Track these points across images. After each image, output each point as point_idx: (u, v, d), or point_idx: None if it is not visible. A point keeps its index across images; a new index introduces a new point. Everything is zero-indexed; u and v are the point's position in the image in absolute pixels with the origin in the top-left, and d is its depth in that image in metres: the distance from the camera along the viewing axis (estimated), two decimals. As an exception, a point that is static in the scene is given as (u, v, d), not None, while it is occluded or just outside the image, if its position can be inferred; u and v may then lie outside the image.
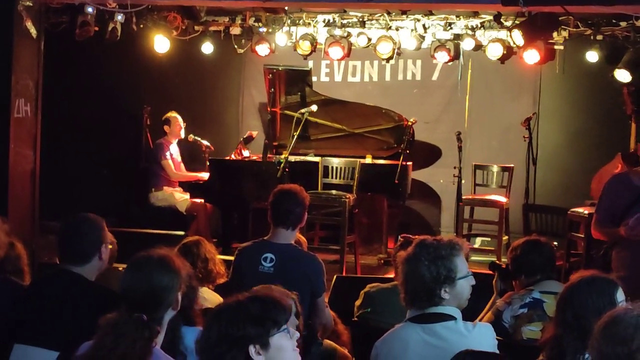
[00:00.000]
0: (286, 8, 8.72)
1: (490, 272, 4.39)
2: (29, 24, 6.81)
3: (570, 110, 9.42)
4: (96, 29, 8.28)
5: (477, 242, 9.10)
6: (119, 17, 8.27)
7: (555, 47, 8.77)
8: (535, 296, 4.01)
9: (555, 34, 8.52)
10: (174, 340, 3.05)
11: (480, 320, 4.08)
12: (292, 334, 2.51)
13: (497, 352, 3.24)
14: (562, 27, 8.40)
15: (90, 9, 7.79)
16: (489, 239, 8.91)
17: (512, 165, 8.84)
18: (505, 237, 8.39)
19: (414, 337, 3.13)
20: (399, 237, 4.54)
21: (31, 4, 6.86)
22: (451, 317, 3.19)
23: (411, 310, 3.25)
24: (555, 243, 7.68)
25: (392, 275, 4.53)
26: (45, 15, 7.25)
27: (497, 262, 4.56)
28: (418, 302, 3.22)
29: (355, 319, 4.39)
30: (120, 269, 4.66)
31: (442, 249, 3.21)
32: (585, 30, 8.40)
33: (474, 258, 7.61)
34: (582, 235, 7.67)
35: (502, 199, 8.57)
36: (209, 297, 4.22)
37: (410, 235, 4.46)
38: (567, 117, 9.43)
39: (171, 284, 2.90)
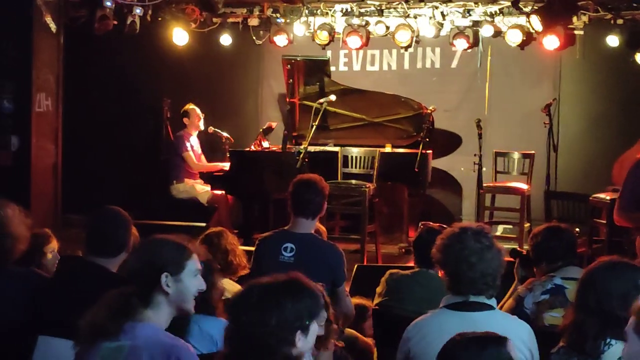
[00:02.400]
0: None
1: (512, 259, 4.38)
2: (49, 19, 6.88)
3: (591, 95, 9.35)
4: (115, 22, 8.32)
5: (499, 229, 9.06)
6: (138, 11, 8.31)
7: (575, 32, 8.70)
8: (556, 282, 3.99)
9: (575, 19, 8.45)
10: (180, 330, 3.06)
11: (501, 306, 4.07)
12: (321, 321, 2.61)
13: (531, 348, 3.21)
14: (582, 11, 8.34)
15: (109, 3, 7.85)
16: (510, 226, 8.87)
17: (533, 151, 8.78)
18: (527, 224, 8.35)
19: (451, 324, 3.08)
20: (420, 224, 4.54)
21: (50, -1, 6.93)
22: (490, 307, 3.19)
23: (450, 297, 3.24)
24: (578, 229, 7.64)
25: (412, 264, 4.51)
26: (64, 10, 7.31)
27: (519, 249, 4.53)
28: (464, 289, 3.19)
29: (376, 306, 4.39)
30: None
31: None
32: (605, 15, 8.33)
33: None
34: (605, 222, 7.61)
35: (523, 186, 8.52)
36: (230, 288, 4.23)
37: (431, 223, 4.47)
38: (588, 103, 9.36)
39: (152, 262, 2.83)
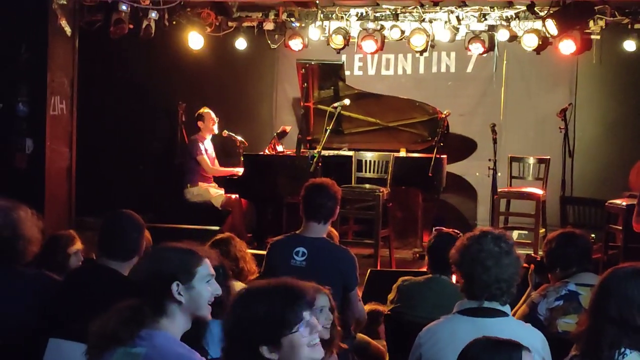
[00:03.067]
0: (317, 2, 8.69)
1: (526, 265, 4.34)
2: (64, 23, 6.91)
3: (608, 100, 9.29)
4: (130, 26, 8.35)
5: (514, 235, 8.99)
6: (153, 14, 8.33)
7: (592, 36, 8.65)
8: (571, 288, 3.95)
9: (591, 24, 8.40)
10: (197, 335, 3.04)
11: (515, 312, 4.04)
12: (312, 329, 2.42)
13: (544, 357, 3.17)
14: (599, 16, 8.29)
15: (124, 7, 7.87)
16: (525, 232, 8.80)
17: (548, 157, 8.72)
18: (542, 230, 8.29)
19: (464, 330, 3.07)
20: (433, 229, 4.51)
21: (65, 3, 6.96)
22: (504, 314, 3.17)
23: (463, 302, 3.22)
24: (593, 235, 7.61)
25: (426, 269, 4.49)
26: (79, 14, 7.34)
27: (533, 255, 4.50)
28: (478, 293, 3.17)
29: (388, 312, 4.37)
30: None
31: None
32: (623, 19, 8.28)
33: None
34: (620, 228, 7.56)
35: (538, 191, 8.47)
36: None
37: (445, 228, 4.44)
38: (604, 108, 9.30)
39: (165, 272, 2.78)
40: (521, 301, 4.20)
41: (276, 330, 2.36)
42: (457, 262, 3.26)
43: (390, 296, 4.40)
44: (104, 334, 2.66)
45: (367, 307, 4.69)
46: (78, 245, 4.48)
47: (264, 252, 4.70)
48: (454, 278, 4.09)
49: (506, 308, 3.19)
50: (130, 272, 3.55)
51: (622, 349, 2.86)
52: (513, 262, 3.19)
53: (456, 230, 4.23)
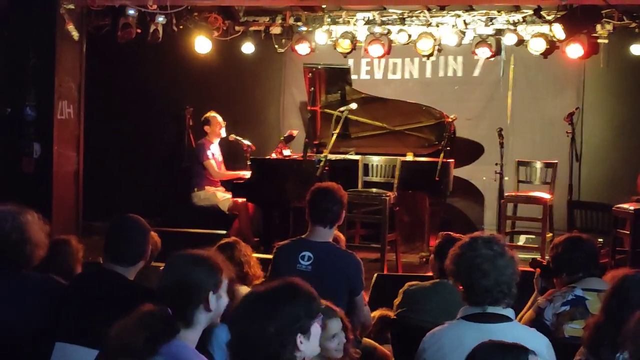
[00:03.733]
0: (324, 6, 8.71)
1: (532, 269, 4.34)
2: (71, 27, 6.94)
3: (615, 104, 9.27)
4: (138, 31, 8.37)
5: (521, 239, 8.99)
6: (160, 19, 8.36)
7: (599, 40, 8.63)
8: (577, 293, 3.93)
9: (599, 28, 8.40)
10: (203, 340, 3.06)
11: (521, 317, 4.03)
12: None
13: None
14: (606, 20, 8.28)
15: (132, 11, 7.89)
16: (533, 236, 8.79)
17: (555, 161, 8.71)
18: (549, 235, 8.26)
19: (468, 335, 3.06)
20: (439, 234, 4.50)
21: (73, 7, 6.99)
22: (508, 319, 3.16)
23: (467, 308, 3.21)
24: (601, 240, 7.60)
25: (432, 274, 4.48)
26: (87, 18, 7.37)
27: (539, 259, 4.48)
28: (480, 299, 3.17)
29: (395, 317, 4.36)
30: (161, 268, 4.73)
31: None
32: (630, 23, 8.27)
33: (518, 255, 7.51)
34: (628, 232, 7.54)
35: (545, 195, 8.45)
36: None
37: (452, 233, 4.42)
38: (612, 112, 9.29)
39: (199, 282, 2.87)
40: (527, 306, 4.19)
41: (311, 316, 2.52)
42: (454, 272, 3.26)
43: (397, 301, 4.40)
44: (126, 348, 2.64)
45: (377, 313, 4.67)
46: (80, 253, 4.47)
47: (271, 256, 4.70)
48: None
49: (509, 312, 3.19)
50: (150, 281, 3.57)
51: (625, 352, 2.87)
52: (509, 262, 3.18)
53: (462, 236, 4.22)
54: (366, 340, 4.46)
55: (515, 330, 3.14)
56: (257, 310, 2.48)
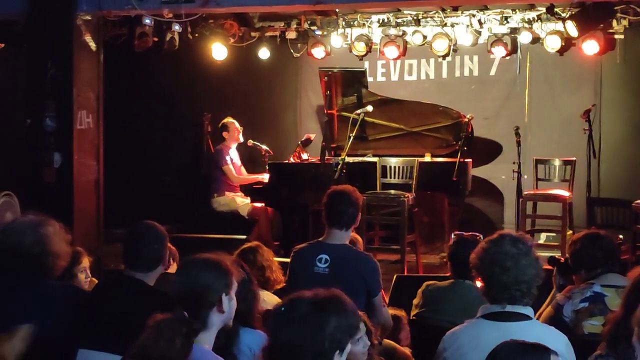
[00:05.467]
0: (337, 10, 8.74)
1: (550, 267, 4.33)
2: (88, 38, 7.01)
3: (633, 100, 9.21)
4: (155, 39, 8.44)
5: (542, 237, 8.95)
6: (177, 27, 8.43)
7: (615, 36, 8.60)
8: (596, 290, 3.93)
9: (615, 23, 8.36)
10: (228, 342, 3.09)
11: (540, 314, 4.04)
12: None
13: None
14: (622, 15, 8.24)
15: (148, 20, 7.96)
16: (553, 234, 8.75)
17: (574, 158, 8.67)
18: (569, 232, 8.23)
19: (487, 334, 3.09)
20: (453, 234, 4.51)
21: (90, 18, 7.06)
22: (527, 317, 3.17)
23: (486, 307, 3.23)
24: (621, 236, 7.55)
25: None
26: (103, 28, 7.44)
27: (557, 256, 4.48)
28: (499, 295, 3.18)
29: (414, 317, 4.38)
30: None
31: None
32: (646, 18, 8.22)
33: (539, 254, 7.48)
34: (649, 228, 7.50)
35: (565, 193, 8.41)
36: (269, 300, 4.25)
37: (464, 233, 4.44)
38: (630, 107, 9.23)
39: (211, 284, 2.91)
40: (546, 303, 4.19)
41: (350, 335, 2.53)
42: (477, 266, 3.28)
43: (415, 301, 4.42)
44: (161, 356, 2.66)
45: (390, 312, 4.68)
46: (85, 262, 4.50)
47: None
48: (478, 283, 4.09)
49: (529, 310, 3.19)
50: (169, 286, 3.61)
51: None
52: (532, 263, 3.19)
53: (475, 234, 4.24)
54: (386, 341, 4.47)
55: (534, 329, 3.14)
56: (306, 317, 2.46)
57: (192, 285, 2.92)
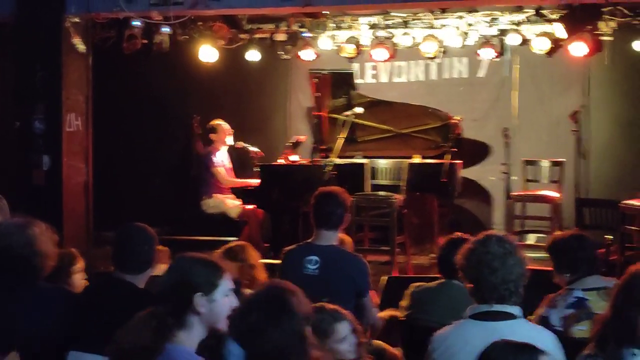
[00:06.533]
0: (327, 12, 8.75)
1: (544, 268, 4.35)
2: (77, 40, 7.01)
3: (622, 101, 9.27)
4: (144, 41, 8.43)
5: (531, 238, 8.98)
6: (165, 29, 8.42)
7: (603, 38, 8.63)
8: (577, 295, 3.94)
9: (602, 25, 8.39)
10: (218, 344, 3.08)
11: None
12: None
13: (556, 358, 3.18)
14: (610, 17, 8.27)
15: (137, 22, 7.95)
16: (542, 235, 8.78)
17: (563, 159, 8.72)
18: (558, 233, 8.26)
19: (476, 334, 3.10)
20: (449, 237, 4.44)
21: (78, 21, 7.06)
22: (515, 316, 3.19)
23: (474, 307, 3.24)
24: (610, 237, 7.59)
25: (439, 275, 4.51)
26: (92, 31, 7.44)
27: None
28: (487, 295, 3.20)
29: (403, 318, 4.39)
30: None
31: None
32: (634, 20, 8.26)
33: (528, 255, 7.51)
34: (636, 228, 7.54)
35: (553, 194, 8.46)
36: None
37: (458, 233, 4.42)
38: (618, 109, 9.28)
39: (188, 284, 2.82)
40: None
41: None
42: (464, 267, 3.30)
43: (403, 303, 4.42)
44: (135, 348, 2.67)
45: (384, 314, 4.70)
46: (81, 264, 4.50)
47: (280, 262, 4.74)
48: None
49: (516, 310, 3.21)
50: (149, 282, 3.61)
51: (632, 349, 2.89)
52: (518, 262, 3.22)
53: (463, 236, 4.24)
54: (376, 342, 4.48)
55: (522, 328, 3.16)
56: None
57: (172, 283, 2.87)
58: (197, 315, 2.81)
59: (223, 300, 2.85)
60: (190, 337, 2.81)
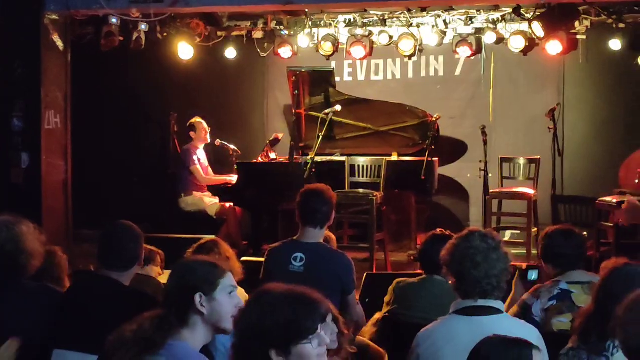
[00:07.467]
0: (307, 10, 8.77)
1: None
2: (56, 37, 6.96)
3: (596, 99, 9.39)
4: (121, 38, 8.40)
5: (507, 235, 9.07)
6: (143, 27, 8.39)
7: (578, 36, 8.75)
8: (562, 287, 3.99)
9: (577, 24, 8.50)
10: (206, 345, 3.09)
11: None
12: (321, 341, 2.46)
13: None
14: (584, 16, 8.38)
15: (114, 20, 7.91)
16: (518, 231, 8.88)
17: (538, 157, 8.82)
18: (534, 229, 8.37)
19: (461, 329, 3.15)
20: (431, 233, 4.48)
21: (57, 18, 7.01)
22: (498, 311, 3.23)
23: (458, 302, 3.28)
24: (585, 233, 7.69)
25: (420, 271, 4.55)
26: (70, 28, 7.39)
27: (517, 264, 4.50)
28: (470, 290, 3.23)
29: (386, 314, 4.43)
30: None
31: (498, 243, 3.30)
32: (607, 19, 8.37)
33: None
34: (612, 224, 7.65)
35: (529, 191, 8.55)
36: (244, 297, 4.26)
37: (441, 230, 4.46)
38: (592, 107, 9.41)
39: (188, 284, 2.84)
40: (506, 304, 4.21)
41: (291, 337, 2.39)
42: (448, 262, 3.34)
43: (387, 298, 4.45)
44: (137, 339, 2.68)
45: (379, 315, 4.70)
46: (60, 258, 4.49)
47: (261, 259, 4.75)
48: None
49: (499, 304, 3.26)
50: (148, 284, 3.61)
51: (617, 342, 2.95)
52: (501, 257, 3.27)
53: (446, 232, 4.28)
54: (359, 338, 4.51)
55: (506, 322, 3.20)
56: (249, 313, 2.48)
57: (175, 283, 2.90)
58: (200, 315, 2.83)
59: (225, 299, 2.85)
60: (194, 337, 2.82)
